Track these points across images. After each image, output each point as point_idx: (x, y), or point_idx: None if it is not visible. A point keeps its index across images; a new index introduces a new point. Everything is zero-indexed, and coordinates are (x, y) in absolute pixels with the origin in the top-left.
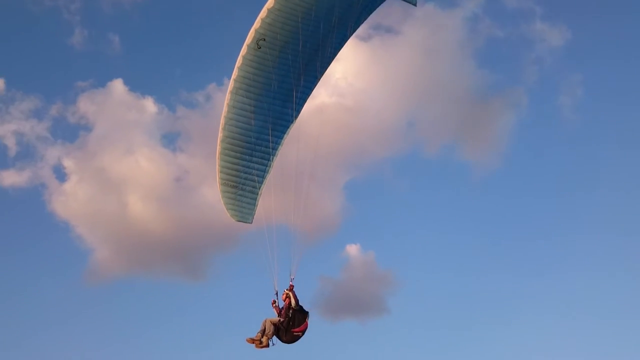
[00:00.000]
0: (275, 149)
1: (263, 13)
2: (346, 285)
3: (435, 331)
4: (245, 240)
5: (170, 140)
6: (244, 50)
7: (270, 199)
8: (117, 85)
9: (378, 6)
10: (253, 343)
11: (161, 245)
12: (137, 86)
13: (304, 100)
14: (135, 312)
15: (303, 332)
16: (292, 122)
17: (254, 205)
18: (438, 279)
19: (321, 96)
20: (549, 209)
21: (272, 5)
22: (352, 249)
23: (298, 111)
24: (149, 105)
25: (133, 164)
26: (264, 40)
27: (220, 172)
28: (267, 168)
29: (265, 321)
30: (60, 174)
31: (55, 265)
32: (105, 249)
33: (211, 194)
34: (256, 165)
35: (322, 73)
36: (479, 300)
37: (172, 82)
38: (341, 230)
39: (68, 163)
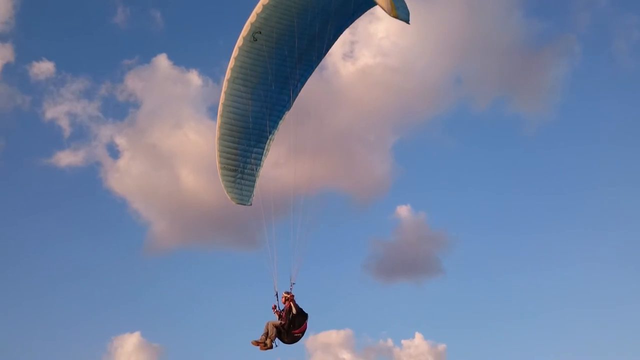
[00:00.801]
0: (271, 133)
1: (258, 8)
2: (398, 247)
3: (492, 291)
4: (297, 207)
5: (217, 111)
6: (239, 41)
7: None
8: (162, 61)
9: (372, 7)
10: (258, 345)
11: (214, 216)
12: (181, 60)
13: (299, 89)
14: (194, 280)
15: (303, 333)
16: (287, 108)
17: (253, 187)
18: (492, 238)
19: (365, 57)
20: (607, 162)
21: (267, 1)
22: (403, 211)
23: (293, 98)
24: (194, 78)
25: (182, 137)
26: (260, 33)
27: (220, 156)
28: (265, 152)
29: (268, 324)
30: (114, 152)
31: (116, 240)
32: (162, 222)
33: None
34: (254, 150)
35: (317, 63)
36: (535, 257)
37: (215, 54)
38: (391, 192)
39: (120, 140)
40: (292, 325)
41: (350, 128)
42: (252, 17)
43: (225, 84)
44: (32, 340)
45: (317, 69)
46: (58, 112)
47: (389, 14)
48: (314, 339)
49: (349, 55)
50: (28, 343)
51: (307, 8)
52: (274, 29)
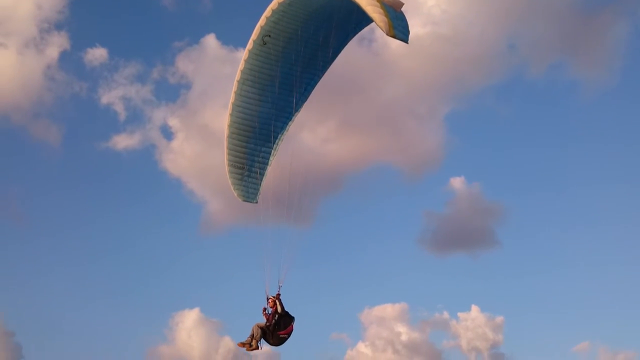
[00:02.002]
0: (280, 133)
1: (268, 12)
2: (453, 219)
3: (549, 261)
4: (349, 183)
5: None
6: (250, 44)
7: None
8: (210, 41)
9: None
10: (244, 347)
11: (269, 193)
12: (229, 39)
13: (309, 92)
14: (249, 257)
15: (289, 334)
16: (296, 110)
17: (259, 186)
18: (549, 208)
19: (414, 27)
20: None
21: (275, 6)
22: (457, 182)
23: (303, 101)
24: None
25: None
26: (269, 36)
27: (228, 154)
28: (273, 152)
29: (254, 326)
30: (168, 134)
31: (173, 220)
32: (216, 201)
33: (311, 139)
34: (262, 149)
35: (323, 71)
36: (594, 227)
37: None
38: (444, 164)
39: (173, 122)
40: (277, 326)
41: (401, 101)
42: (262, 21)
43: (235, 84)
44: (96, 317)
45: (364, 42)
46: (113, 96)
47: (387, 34)
48: (369, 313)
49: None
50: (94, 319)
51: (312, 17)
52: (282, 34)
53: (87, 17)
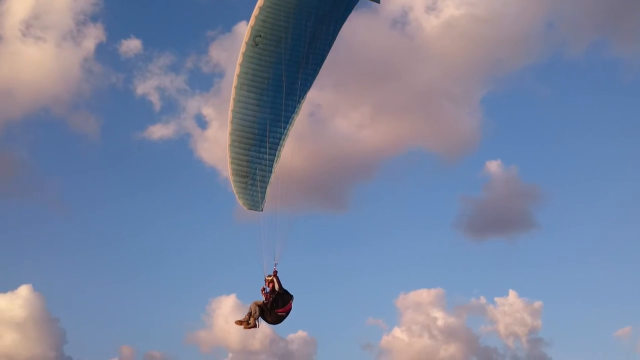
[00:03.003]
0: (281, 139)
1: (256, 10)
2: (489, 203)
3: (590, 244)
4: (384, 168)
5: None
6: (243, 47)
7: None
8: (243, 29)
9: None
10: (241, 324)
11: (302, 180)
12: None
13: (305, 92)
14: (286, 244)
15: (287, 312)
16: (296, 113)
17: (264, 193)
18: (589, 190)
19: (449, 8)
20: None
21: (262, 3)
22: (493, 166)
23: (300, 102)
24: None
25: None
26: (260, 36)
27: (231, 163)
28: (276, 158)
29: (252, 304)
30: (202, 122)
31: (208, 208)
32: None
33: (345, 125)
34: (265, 156)
35: (319, 67)
36: (636, 209)
37: None
38: (480, 147)
39: (207, 111)
40: (275, 304)
41: (436, 84)
42: (251, 21)
43: (232, 90)
44: (136, 303)
45: (398, 25)
46: (148, 87)
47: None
48: (404, 298)
49: (432, 8)
50: (134, 305)
51: (301, 8)
52: (273, 31)
53: (121, 8)
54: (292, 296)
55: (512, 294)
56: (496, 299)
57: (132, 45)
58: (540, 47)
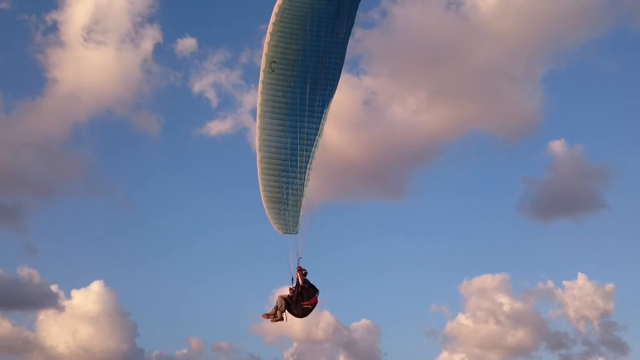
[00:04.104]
0: (308, 162)
1: (267, 37)
2: (554, 184)
3: None
4: (442, 153)
5: (353, 64)
6: (261, 75)
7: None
8: None
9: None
10: (268, 318)
11: (360, 169)
12: None
13: (326, 111)
14: (344, 232)
15: (313, 305)
16: (319, 135)
17: (298, 216)
18: None
19: None
20: None
21: (271, 28)
22: (556, 146)
23: (322, 123)
24: None
25: None
26: (275, 62)
27: (263, 190)
28: (305, 182)
29: (278, 298)
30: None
31: None
32: (311, 180)
33: (401, 111)
34: (295, 180)
35: (336, 83)
36: None
37: None
38: (542, 128)
39: None
40: (300, 297)
41: (494, 64)
42: (264, 48)
43: (257, 119)
44: (201, 295)
45: (452, 6)
46: (204, 84)
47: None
48: (468, 284)
49: None
50: (199, 297)
51: (309, 29)
52: (286, 55)
53: (175, 8)
54: (317, 290)
55: (581, 277)
56: (564, 282)
57: (187, 44)
58: (605, 20)
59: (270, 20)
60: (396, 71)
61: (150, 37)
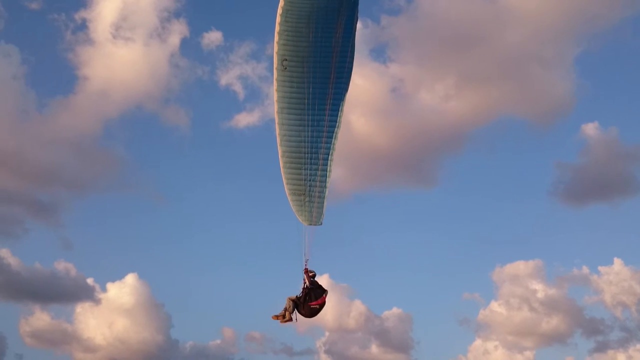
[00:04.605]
0: (329, 154)
1: (275, 36)
2: (587, 168)
3: None
4: (472, 140)
5: (379, 52)
6: (275, 73)
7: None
8: None
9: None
10: (278, 319)
11: (389, 158)
12: None
13: (341, 104)
14: (375, 222)
15: (320, 305)
16: (337, 126)
17: (322, 208)
18: None
19: None
20: None
21: (278, 28)
22: (590, 129)
23: (339, 115)
24: None
25: None
26: (286, 60)
27: (287, 183)
28: (327, 173)
29: (287, 299)
30: None
31: None
32: (339, 169)
33: (430, 98)
34: (317, 172)
35: (349, 75)
36: None
37: None
38: (575, 111)
39: None
40: (308, 297)
41: (524, 47)
42: (275, 47)
43: (275, 115)
44: (230, 286)
45: None
46: (231, 77)
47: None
48: (500, 272)
49: None
50: (228, 288)
51: (312, 25)
52: (296, 52)
53: (201, 2)
54: (325, 291)
55: (617, 262)
56: (600, 267)
57: (213, 37)
58: None
59: (276, 21)
60: (423, 57)
61: (177, 31)
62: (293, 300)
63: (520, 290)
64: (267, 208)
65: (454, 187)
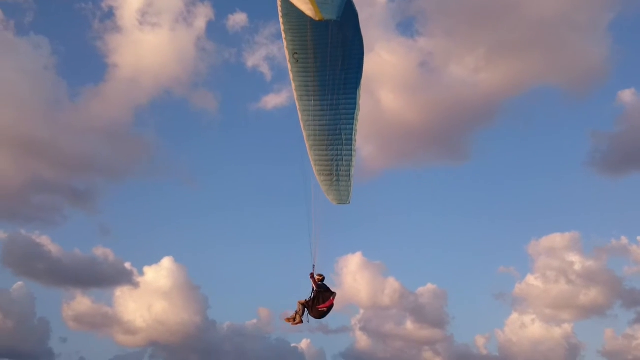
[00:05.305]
0: (352, 135)
1: (283, 34)
2: (625, 136)
3: None
4: (505, 112)
5: (407, 26)
6: (289, 65)
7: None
8: None
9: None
10: (289, 322)
11: (419, 133)
12: None
13: (358, 88)
14: (405, 199)
15: (328, 308)
16: (356, 109)
17: (349, 186)
18: None
19: None
20: None
21: (282, 27)
22: (627, 95)
23: (356, 98)
24: None
25: (376, 59)
26: (297, 54)
27: (315, 164)
28: (352, 153)
29: (298, 303)
30: None
31: None
32: (369, 146)
33: (460, 71)
34: (343, 153)
35: (361, 60)
36: None
37: None
38: (611, 78)
39: None
40: (316, 301)
41: (556, 14)
42: (284, 42)
43: (296, 103)
44: (270, 267)
45: None
46: (257, 58)
47: (316, 19)
48: (536, 245)
49: None
50: (259, 269)
51: (311, 23)
52: (305, 46)
53: None
54: (334, 293)
55: None
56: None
57: (238, 19)
58: None
59: (280, 20)
60: (452, 30)
61: (202, 15)
62: (303, 304)
63: (556, 262)
64: (300, 188)
65: (487, 161)
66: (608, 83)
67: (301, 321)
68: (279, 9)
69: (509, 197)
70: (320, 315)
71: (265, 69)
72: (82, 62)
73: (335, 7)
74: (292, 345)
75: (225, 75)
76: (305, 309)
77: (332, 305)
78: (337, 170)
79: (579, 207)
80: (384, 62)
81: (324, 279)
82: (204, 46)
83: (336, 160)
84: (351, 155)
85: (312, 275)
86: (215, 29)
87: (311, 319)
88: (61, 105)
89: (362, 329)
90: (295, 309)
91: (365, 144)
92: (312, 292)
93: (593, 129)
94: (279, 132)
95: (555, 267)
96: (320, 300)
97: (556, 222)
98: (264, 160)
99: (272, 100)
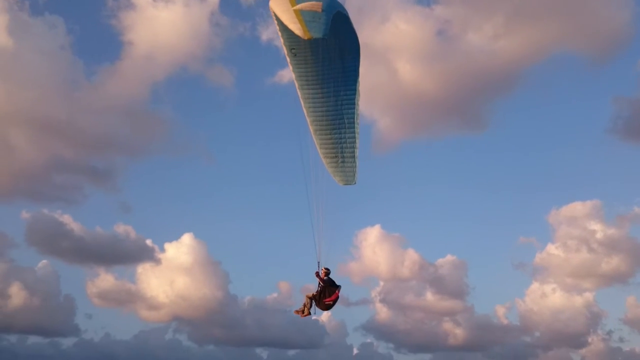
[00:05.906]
0: (354, 119)
1: (278, 32)
2: None
3: None
4: (525, 79)
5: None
6: (287, 58)
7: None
8: None
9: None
10: (298, 314)
11: (436, 103)
12: None
13: (356, 76)
14: (424, 171)
15: (334, 301)
16: (356, 94)
17: (354, 167)
18: None
19: None
20: None
21: (277, 27)
22: None
23: (356, 85)
24: None
25: (392, 29)
26: (294, 49)
27: (320, 147)
28: (356, 135)
29: (305, 296)
30: None
31: None
32: (386, 118)
33: (478, 39)
34: (346, 136)
35: (356, 55)
36: None
37: None
38: (633, 42)
39: None
40: (322, 295)
41: None
42: (281, 40)
43: (298, 91)
44: (289, 241)
45: None
46: (272, 32)
47: (305, 38)
48: (556, 214)
49: None
50: (281, 244)
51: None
52: (299, 43)
53: None
54: (339, 286)
55: None
56: None
57: None
58: None
59: (275, 22)
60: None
61: None
62: (310, 298)
63: (577, 231)
64: (317, 162)
65: (506, 130)
66: (630, 47)
67: (309, 313)
68: (272, 12)
69: (529, 166)
70: (327, 307)
71: (280, 42)
72: (97, 41)
73: (322, 25)
74: (313, 318)
75: (240, 50)
76: (313, 302)
77: (337, 298)
78: (341, 153)
79: (600, 175)
80: (401, 32)
81: (329, 272)
82: (218, 21)
83: (340, 144)
84: (354, 138)
85: (317, 274)
86: (228, 4)
87: (318, 310)
88: (78, 85)
89: (382, 300)
90: (303, 302)
91: (383, 115)
92: (319, 286)
93: (615, 95)
94: (296, 105)
95: (576, 236)
96: (327, 294)
97: (577, 190)
98: (282, 134)
99: (288, 74)
